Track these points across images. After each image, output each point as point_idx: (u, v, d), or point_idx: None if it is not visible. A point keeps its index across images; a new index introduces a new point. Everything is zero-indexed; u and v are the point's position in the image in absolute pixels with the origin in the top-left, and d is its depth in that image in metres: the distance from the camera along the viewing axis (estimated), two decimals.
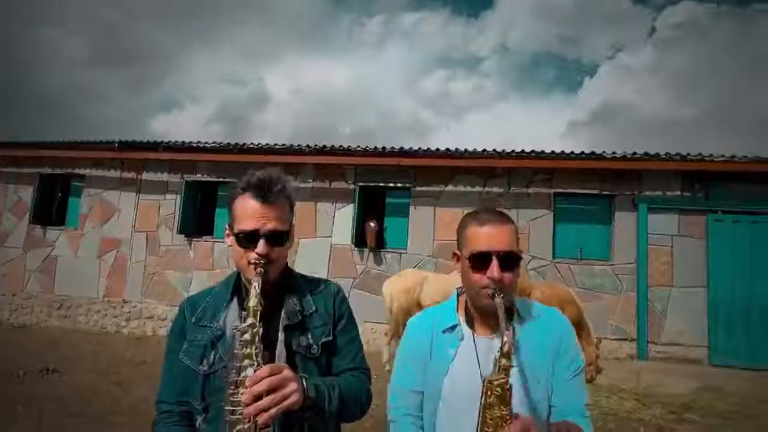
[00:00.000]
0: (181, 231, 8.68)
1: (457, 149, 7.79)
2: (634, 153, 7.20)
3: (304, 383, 1.00)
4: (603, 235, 7.48)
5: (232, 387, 0.96)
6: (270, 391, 0.91)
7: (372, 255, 7.99)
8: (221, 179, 8.75)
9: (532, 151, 7.48)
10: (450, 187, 7.89)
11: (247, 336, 0.97)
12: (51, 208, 9.59)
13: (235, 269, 1.23)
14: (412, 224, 7.91)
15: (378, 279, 7.83)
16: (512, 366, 0.93)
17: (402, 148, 7.92)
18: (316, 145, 8.20)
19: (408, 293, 6.10)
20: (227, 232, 1.18)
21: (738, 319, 6.75)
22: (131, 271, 8.79)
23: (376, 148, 8.00)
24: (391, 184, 8.14)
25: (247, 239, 1.11)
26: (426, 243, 7.84)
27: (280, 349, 1.11)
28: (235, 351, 0.98)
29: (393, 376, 1.22)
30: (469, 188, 7.83)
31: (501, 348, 0.93)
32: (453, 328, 1.17)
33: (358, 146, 8.15)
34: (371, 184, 8.22)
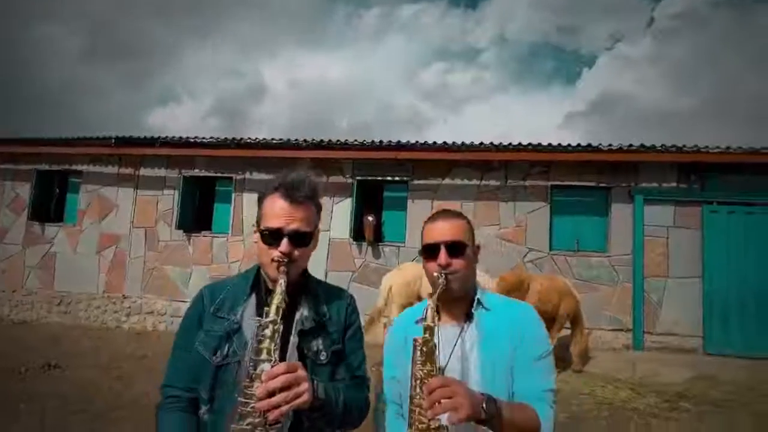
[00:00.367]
0: (179, 226, 8.69)
1: (454, 143, 7.81)
2: (631, 145, 7.25)
3: (315, 385, 1.03)
4: (599, 227, 7.54)
5: (248, 380, 0.98)
6: (284, 388, 0.94)
7: (370, 249, 8.03)
8: (219, 174, 8.75)
9: (529, 144, 7.51)
10: (447, 181, 7.92)
11: (267, 331, 0.99)
12: (49, 204, 9.58)
13: (254, 264, 1.26)
14: (410, 218, 7.95)
15: (376, 272, 7.88)
16: (435, 326, 1.04)
17: (399, 141, 7.93)
18: (313, 140, 8.20)
19: (408, 286, 6.15)
20: (255, 228, 1.21)
21: (733, 309, 6.84)
22: (130, 266, 8.82)
23: (373, 141, 8.02)
24: (389, 178, 8.17)
25: (272, 237, 1.14)
26: None
27: (291, 352, 1.14)
28: (254, 345, 1.01)
29: (383, 367, 1.32)
30: (466, 181, 7.87)
31: (425, 312, 1.07)
32: (423, 319, 1.26)
33: (356, 140, 8.17)
34: (369, 178, 8.24)
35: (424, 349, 1.01)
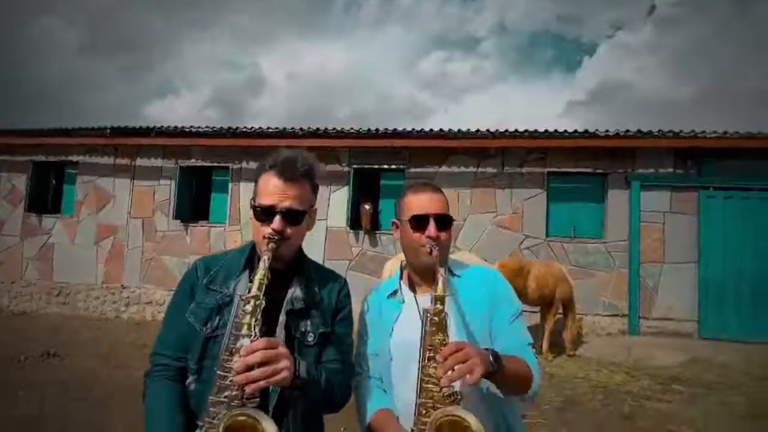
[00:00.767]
0: (176, 216, 8.70)
1: (450, 130, 7.78)
2: (628, 131, 7.22)
3: (297, 363, 1.03)
4: (596, 213, 7.55)
5: (227, 353, 0.98)
6: (262, 363, 0.93)
7: (367, 237, 8.05)
8: (216, 164, 8.73)
9: (526, 131, 7.48)
10: (444, 168, 7.91)
11: (248, 306, 0.99)
12: (46, 195, 9.57)
13: (251, 240, 1.26)
14: None
15: (374, 261, 7.91)
16: (447, 295, 1.04)
17: (396, 129, 7.90)
18: (309, 128, 8.17)
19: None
20: (251, 204, 1.21)
21: (728, 294, 6.88)
22: (129, 257, 8.84)
23: (369, 130, 7.99)
24: (386, 166, 8.15)
25: (264, 214, 1.15)
26: None
27: (279, 331, 1.14)
28: (236, 319, 1.01)
29: (357, 345, 1.33)
30: (463, 169, 7.85)
31: (435, 283, 1.07)
32: (395, 293, 1.32)
33: (352, 128, 8.13)
34: (365, 166, 8.22)
35: (436, 319, 1.02)
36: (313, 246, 8.10)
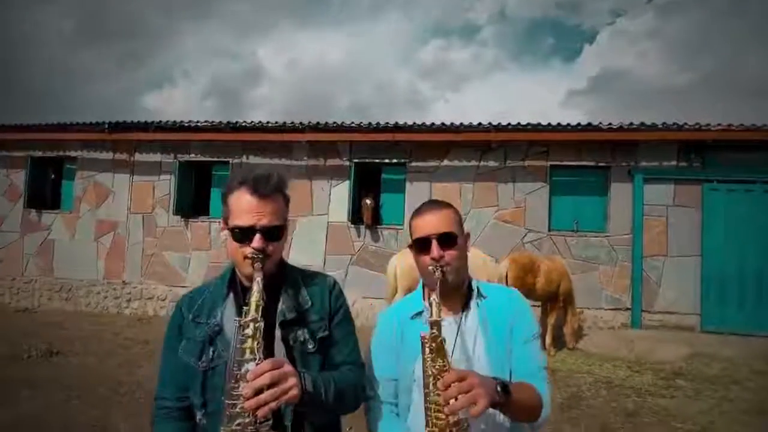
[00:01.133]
0: (177, 212, 8.66)
1: (452, 123, 7.70)
2: (631, 123, 7.15)
3: (303, 378, 1.02)
4: (599, 207, 7.51)
5: (233, 381, 0.97)
6: (271, 385, 0.93)
7: (369, 232, 8.01)
8: (215, 159, 8.67)
9: (528, 124, 7.40)
10: (446, 162, 7.85)
11: (248, 330, 0.98)
12: (44, 191, 9.52)
13: (230, 264, 1.24)
14: (409, 200, 7.90)
15: (375, 255, 7.89)
16: (441, 320, 1.04)
17: (397, 123, 7.82)
18: (309, 122, 8.08)
19: (414, 269, 6.13)
20: (222, 226, 1.18)
21: (731, 287, 6.87)
22: (129, 252, 8.82)
23: (370, 124, 7.91)
24: (387, 160, 8.09)
25: (243, 234, 1.12)
26: None
27: (278, 345, 1.13)
28: (236, 345, 0.99)
29: (368, 367, 1.29)
30: (465, 162, 7.80)
31: (430, 307, 1.06)
32: (420, 313, 1.28)
33: (352, 122, 8.05)
34: (367, 160, 8.16)
35: (433, 345, 1.01)
36: (314, 241, 8.08)
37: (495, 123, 7.50)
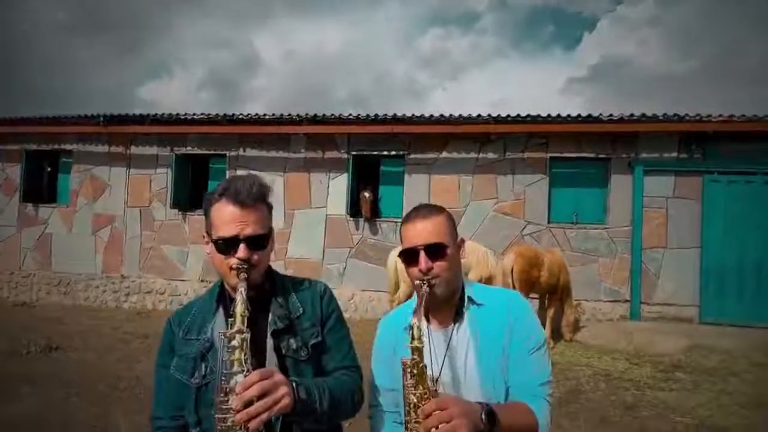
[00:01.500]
0: (174, 205, 8.61)
1: (451, 115, 7.63)
2: (632, 115, 7.09)
3: (295, 386, 1.00)
4: (599, 199, 7.48)
5: (222, 395, 0.95)
6: (261, 396, 0.91)
7: (367, 225, 7.98)
8: (213, 151, 8.60)
9: (528, 116, 7.34)
10: (445, 154, 7.80)
11: (235, 342, 0.96)
12: (40, 185, 9.46)
13: (219, 279, 1.21)
14: (407, 192, 7.86)
15: (374, 248, 7.87)
16: (422, 346, 0.98)
17: (395, 115, 7.75)
18: (307, 115, 8.01)
19: None
20: (206, 239, 1.16)
21: (730, 278, 6.87)
22: (127, 246, 8.79)
23: (368, 115, 7.83)
24: (385, 153, 8.03)
25: (227, 245, 1.09)
26: None
27: (270, 355, 1.11)
28: (224, 358, 0.97)
29: (371, 375, 1.27)
30: (464, 154, 7.74)
31: (411, 331, 0.99)
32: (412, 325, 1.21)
33: (350, 114, 7.98)
34: (365, 152, 8.10)
35: (414, 371, 0.97)
36: (313, 234, 8.05)
37: (494, 114, 7.44)
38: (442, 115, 7.67)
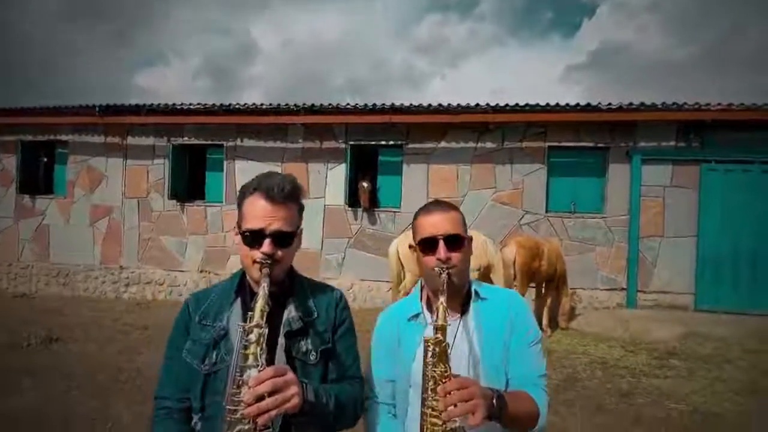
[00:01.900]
0: (172, 196, 8.58)
1: (449, 104, 7.60)
2: (630, 104, 7.08)
3: (305, 388, 1.02)
4: (596, 188, 7.50)
5: (235, 387, 0.96)
6: (272, 392, 0.92)
7: (366, 215, 7.99)
8: (210, 142, 8.55)
9: (526, 105, 7.31)
10: (443, 144, 7.78)
11: (252, 336, 0.97)
12: (37, 176, 9.40)
13: (240, 268, 1.23)
14: (406, 182, 7.86)
15: (373, 238, 7.89)
16: (448, 325, 1.02)
17: (393, 104, 7.70)
18: (304, 104, 7.95)
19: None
20: (235, 231, 1.18)
21: (725, 266, 6.94)
22: (126, 237, 8.78)
23: (366, 105, 7.79)
24: (383, 142, 8.01)
25: (253, 238, 1.12)
26: (420, 201, 7.72)
27: (280, 354, 1.12)
28: (240, 351, 0.98)
29: (368, 367, 1.29)
30: (462, 144, 7.73)
31: (436, 311, 1.03)
32: (416, 316, 1.27)
33: (348, 104, 7.93)
34: (363, 142, 8.07)
35: (437, 349, 0.99)
36: (312, 224, 8.05)
37: (493, 104, 7.41)
38: (440, 105, 7.64)
